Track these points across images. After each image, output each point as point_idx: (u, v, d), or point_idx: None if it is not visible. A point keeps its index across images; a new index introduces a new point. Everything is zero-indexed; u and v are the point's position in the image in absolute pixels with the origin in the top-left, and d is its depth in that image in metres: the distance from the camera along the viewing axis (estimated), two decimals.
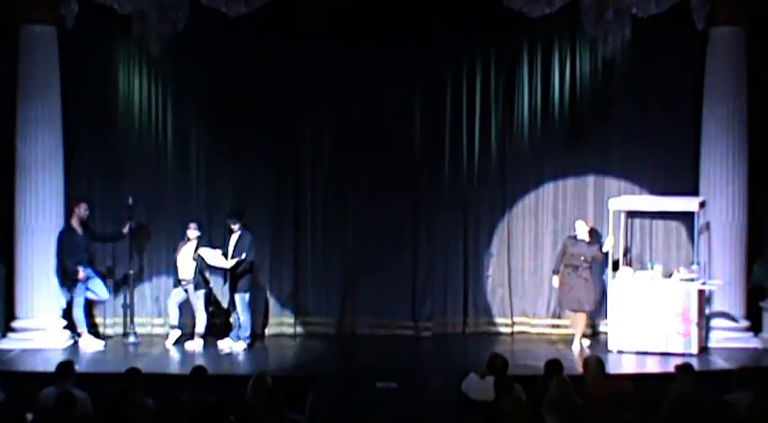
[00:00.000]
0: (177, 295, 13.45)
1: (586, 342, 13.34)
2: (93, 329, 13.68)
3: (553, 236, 14.18)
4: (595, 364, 9.70)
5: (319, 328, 14.21)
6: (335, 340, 14.00)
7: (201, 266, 13.30)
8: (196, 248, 13.30)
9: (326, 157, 14.25)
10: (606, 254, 13.26)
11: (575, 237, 13.37)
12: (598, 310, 13.55)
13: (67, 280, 13.21)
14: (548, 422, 8.57)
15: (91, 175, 13.99)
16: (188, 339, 13.35)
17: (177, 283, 13.46)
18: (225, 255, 13.16)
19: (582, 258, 13.20)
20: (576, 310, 13.34)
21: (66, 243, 13.11)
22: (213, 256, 13.18)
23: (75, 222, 13.26)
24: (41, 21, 12.97)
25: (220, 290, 13.76)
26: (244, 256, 13.04)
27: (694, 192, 13.51)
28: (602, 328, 13.79)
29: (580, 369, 9.90)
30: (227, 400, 8.83)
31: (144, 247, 14.10)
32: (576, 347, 13.20)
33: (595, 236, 13.56)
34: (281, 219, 14.23)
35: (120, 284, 14.00)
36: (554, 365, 9.64)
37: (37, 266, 13.10)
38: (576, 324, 13.43)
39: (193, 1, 11.81)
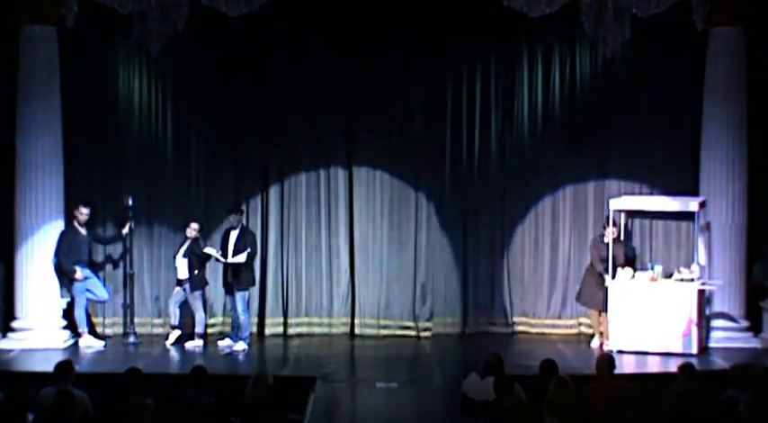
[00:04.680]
0: (177, 295, 13.46)
1: (597, 342, 13.32)
2: (92, 329, 13.70)
3: (552, 236, 14.18)
4: (603, 362, 9.72)
5: (319, 328, 14.21)
6: (336, 340, 14.00)
7: (197, 266, 13.31)
8: (189, 247, 13.30)
9: (326, 156, 14.24)
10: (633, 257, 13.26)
11: (602, 238, 13.22)
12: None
13: (65, 279, 13.21)
14: (548, 422, 8.57)
15: (91, 175, 14.00)
16: (188, 339, 13.36)
17: (177, 282, 13.48)
18: (224, 252, 13.15)
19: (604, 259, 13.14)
20: (596, 310, 13.34)
21: (65, 243, 13.12)
22: (214, 253, 13.17)
23: (76, 223, 13.27)
24: (41, 21, 12.97)
25: (220, 290, 13.75)
26: (249, 250, 13.07)
27: (694, 192, 13.50)
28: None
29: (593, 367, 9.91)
30: (227, 400, 8.84)
31: (144, 247, 14.10)
32: (594, 344, 13.22)
33: (620, 237, 13.41)
34: (282, 218, 14.23)
35: (120, 284, 14.00)
36: (549, 366, 9.64)
37: (37, 266, 13.11)
38: (597, 322, 13.43)
39: (193, 1, 11.80)
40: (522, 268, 14.33)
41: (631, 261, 13.42)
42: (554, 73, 14.12)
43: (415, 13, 13.56)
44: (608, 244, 13.08)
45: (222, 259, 13.13)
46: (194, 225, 13.43)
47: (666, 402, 9.28)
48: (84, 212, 13.30)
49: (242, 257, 13.08)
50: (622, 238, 13.31)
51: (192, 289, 13.33)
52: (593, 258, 13.27)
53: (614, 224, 13.17)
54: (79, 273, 13.15)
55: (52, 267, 13.18)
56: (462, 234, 14.29)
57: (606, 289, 13.06)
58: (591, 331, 13.79)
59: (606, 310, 13.14)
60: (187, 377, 9.47)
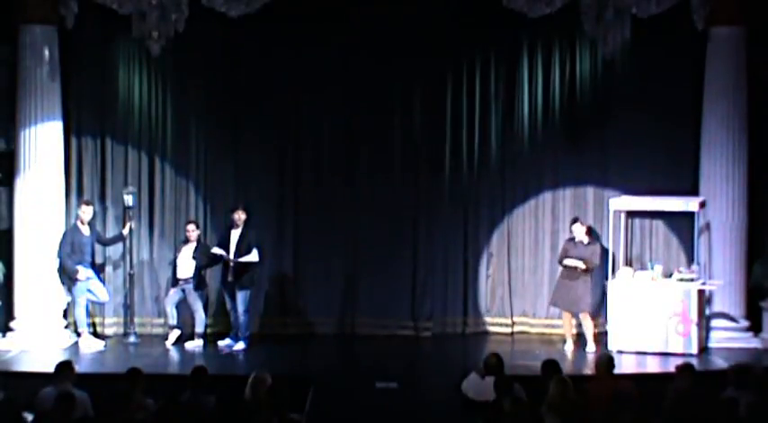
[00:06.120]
0: (174, 296, 13.45)
1: (570, 346, 13.28)
2: (92, 329, 13.70)
3: (552, 236, 14.18)
4: (602, 362, 9.73)
5: (319, 328, 14.21)
6: (335, 340, 14.01)
7: (206, 266, 13.32)
8: (196, 248, 13.32)
9: (327, 156, 14.25)
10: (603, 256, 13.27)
11: (572, 239, 13.34)
12: (597, 311, 13.53)
13: (67, 279, 13.21)
14: (548, 422, 8.57)
15: (91, 175, 14.01)
16: (188, 339, 13.36)
17: (174, 283, 13.46)
18: (227, 250, 13.13)
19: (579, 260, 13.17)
20: (570, 312, 13.32)
21: (67, 242, 13.12)
22: (224, 254, 13.15)
23: (79, 223, 13.27)
24: (41, 21, 12.98)
25: (220, 289, 13.73)
26: (258, 250, 13.08)
27: (694, 192, 13.51)
28: (601, 329, 13.76)
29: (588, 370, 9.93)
30: (227, 400, 8.84)
31: (144, 247, 14.10)
32: (590, 348, 13.10)
33: (593, 236, 13.54)
34: (282, 218, 14.24)
35: (120, 284, 13.98)
36: (551, 366, 9.64)
37: (37, 266, 13.10)
38: (570, 325, 13.39)
39: (193, 1, 11.80)
40: (522, 268, 14.33)
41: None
42: (554, 73, 14.12)
43: (415, 13, 13.55)
44: (580, 243, 13.15)
45: (232, 259, 13.09)
46: (190, 226, 13.42)
47: (666, 402, 9.29)
48: (86, 211, 13.30)
49: (254, 256, 13.08)
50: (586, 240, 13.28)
51: (196, 289, 13.33)
52: (560, 256, 13.33)
53: (582, 224, 13.27)
54: (82, 272, 13.13)
55: (55, 267, 13.17)
56: (462, 233, 14.29)
57: (586, 290, 13.09)
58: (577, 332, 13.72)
59: (587, 311, 13.16)
60: (187, 377, 9.49)
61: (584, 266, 13.05)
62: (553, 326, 14.11)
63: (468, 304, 14.34)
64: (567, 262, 13.13)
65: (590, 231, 13.48)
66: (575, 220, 13.37)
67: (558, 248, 13.88)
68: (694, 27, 12.73)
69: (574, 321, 13.43)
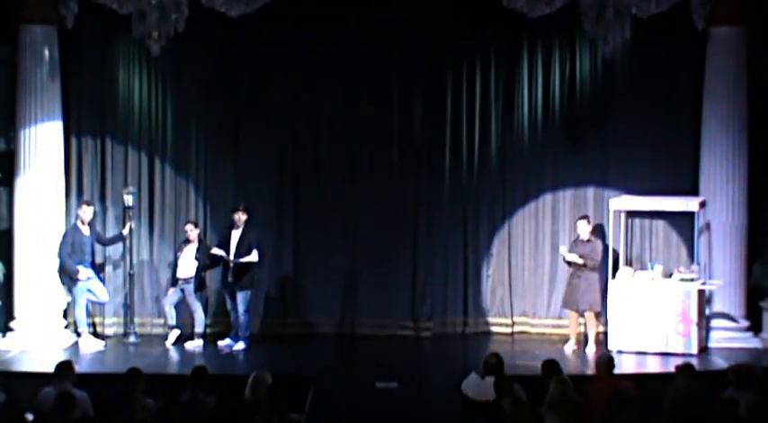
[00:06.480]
0: (173, 295, 13.44)
1: (571, 346, 13.27)
2: (92, 329, 13.69)
3: (553, 236, 14.18)
4: (602, 362, 9.73)
5: (319, 328, 14.21)
6: (335, 340, 14.01)
7: (208, 267, 13.32)
8: (198, 249, 13.31)
9: (327, 156, 14.25)
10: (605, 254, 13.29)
11: (577, 237, 13.36)
12: (599, 310, 13.53)
13: (67, 279, 13.20)
14: (548, 422, 8.57)
15: (91, 175, 14.01)
16: (188, 339, 13.36)
17: (173, 282, 13.46)
18: (227, 251, 13.13)
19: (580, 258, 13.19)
20: (574, 310, 13.31)
21: (67, 242, 13.11)
22: (224, 254, 13.14)
23: (80, 223, 13.27)
24: (41, 21, 12.98)
25: (220, 290, 13.73)
26: (258, 250, 13.08)
27: (694, 192, 13.51)
28: (601, 328, 13.75)
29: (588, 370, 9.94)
30: (227, 400, 8.85)
31: (144, 247, 14.10)
32: (590, 348, 13.11)
33: (597, 234, 13.52)
34: (282, 218, 14.23)
35: (120, 284, 13.98)
36: (551, 366, 9.65)
37: (37, 266, 13.10)
38: (576, 324, 13.38)
39: (193, 1, 11.80)
40: (522, 268, 14.32)
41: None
42: (554, 73, 14.12)
43: (415, 13, 13.56)
44: (582, 240, 13.19)
45: (232, 259, 13.09)
46: (188, 226, 13.41)
47: (666, 402, 9.29)
48: (87, 211, 13.30)
49: (254, 257, 13.07)
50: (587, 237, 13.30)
51: (196, 289, 13.33)
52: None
53: (589, 222, 13.30)
54: (82, 272, 13.13)
55: (55, 267, 13.16)
56: (462, 234, 14.29)
57: (588, 288, 13.08)
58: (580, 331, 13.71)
59: (588, 309, 13.14)
60: (187, 377, 9.49)
61: (581, 261, 13.06)
62: (553, 326, 14.11)
63: (469, 304, 14.34)
64: (568, 257, 13.15)
65: (594, 230, 13.47)
66: (582, 217, 13.38)
67: (559, 248, 13.90)
68: (694, 27, 12.75)
69: (581, 320, 13.41)
